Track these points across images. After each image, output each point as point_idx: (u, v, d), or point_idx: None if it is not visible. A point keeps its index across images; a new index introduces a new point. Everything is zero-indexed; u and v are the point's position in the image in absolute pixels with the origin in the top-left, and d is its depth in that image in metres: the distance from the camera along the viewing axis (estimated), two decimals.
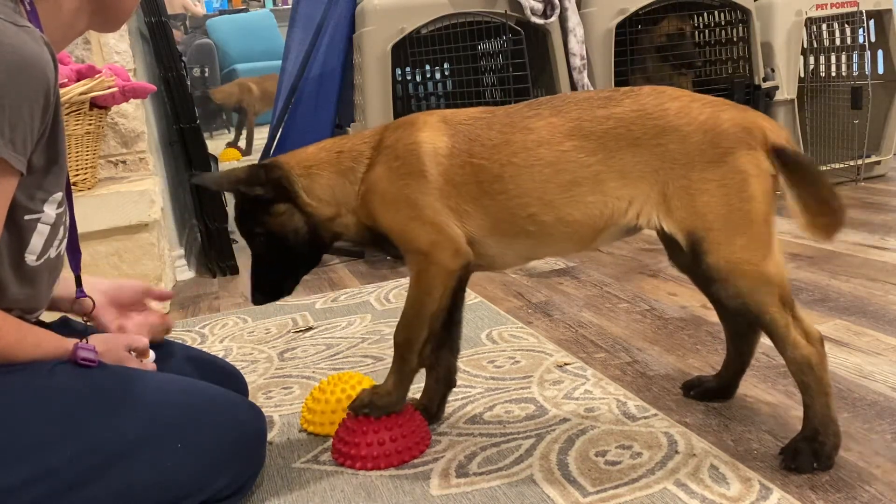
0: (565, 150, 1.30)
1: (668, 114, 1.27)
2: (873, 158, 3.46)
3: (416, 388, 1.61)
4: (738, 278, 1.25)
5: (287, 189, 1.38)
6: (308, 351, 2.04)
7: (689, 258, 1.30)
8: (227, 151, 6.61)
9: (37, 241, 1.18)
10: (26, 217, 1.15)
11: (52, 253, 1.22)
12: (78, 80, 2.32)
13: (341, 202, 1.40)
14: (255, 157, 4.09)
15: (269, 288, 1.45)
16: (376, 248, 1.49)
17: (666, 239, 1.36)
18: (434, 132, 1.35)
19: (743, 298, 1.26)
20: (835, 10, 3.33)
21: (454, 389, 1.57)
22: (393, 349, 1.42)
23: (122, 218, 2.47)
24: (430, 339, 1.41)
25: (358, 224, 1.40)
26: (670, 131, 1.27)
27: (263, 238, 1.41)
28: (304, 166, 1.40)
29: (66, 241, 1.26)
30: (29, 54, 1.06)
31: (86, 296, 1.34)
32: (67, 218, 1.25)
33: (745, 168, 1.25)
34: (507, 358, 1.86)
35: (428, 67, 3.57)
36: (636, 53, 3.28)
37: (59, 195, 1.20)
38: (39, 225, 1.18)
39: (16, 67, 1.04)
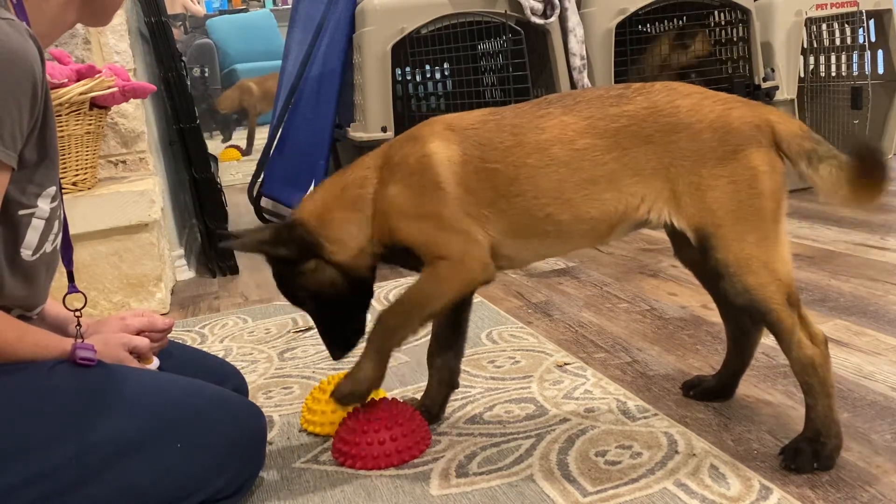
0: (579, 149, 1.29)
1: (679, 111, 1.28)
2: None
3: (418, 389, 1.62)
4: (746, 274, 1.25)
5: (311, 244, 1.37)
6: (308, 351, 2.04)
7: (697, 254, 1.31)
8: (228, 151, 6.62)
9: (31, 235, 1.18)
10: (20, 212, 1.15)
11: (48, 248, 1.22)
12: (78, 80, 2.32)
13: (361, 235, 1.38)
14: (255, 157, 4.10)
15: (342, 340, 1.45)
16: (395, 263, 1.46)
17: (673, 234, 1.36)
18: (444, 141, 1.33)
19: (751, 295, 1.26)
20: (835, 10, 3.33)
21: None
22: (374, 327, 1.38)
23: (122, 218, 2.47)
24: (415, 333, 1.39)
25: (380, 245, 1.38)
26: (682, 128, 1.27)
27: (309, 299, 1.41)
28: (317, 215, 1.38)
29: (60, 235, 1.25)
30: (13, 47, 1.05)
31: (78, 290, 1.34)
32: (62, 212, 1.25)
33: (755, 164, 1.25)
34: (507, 358, 1.86)
35: (428, 67, 3.57)
36: (635, 52, 3.27)
37: (52, 189, 1.19)
38: (34, 220, 1.17)
39: (0, 61, 1.04)
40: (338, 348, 1.46)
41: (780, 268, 1.26)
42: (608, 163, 1.29)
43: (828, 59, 3.53)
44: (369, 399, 1.45)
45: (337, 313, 1.43)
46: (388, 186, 1.35)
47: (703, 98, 1.29)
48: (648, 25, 3.39)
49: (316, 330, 1.49)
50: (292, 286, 1.41)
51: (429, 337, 1.54)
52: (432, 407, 1.54)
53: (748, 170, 1.25)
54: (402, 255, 1.39)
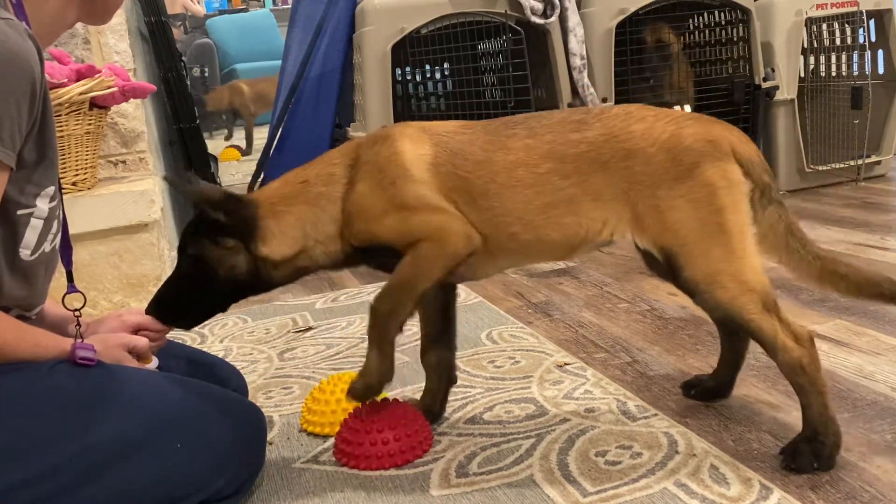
0: (542, 173, 1.31)
1: (633, 136, 1.29)
2: (873, 158, 3.46)
3: (418, 389, 1.62)
4: (716, 290, 1.26)
5: (247, 228, 1.32)
6: (308, 351, 2.04)
7: (667, 272, 1.32)
8: (227, 151, 6.62)
9: (30, 235, 1.18)
10: (19, 212, 1.15)
11: (47, 247, 1.22)
12: (78, 80, 2.32)
13: (311, 235, 1.35)
14: (255, 157, 4.10)
15: (171, 314, 1.37)
16: (363, 263, 1.43)
17: (642, 252, 1.37)
18: (415, 141, 1.34)
19: (724, 310, 1.27)
20: (835, 10, 3.33)
21: (454, 388, 1.58)
22: (369, 321, 1.35)
23: (122, 218, 2.46)
24: (411, 315, 1.36)
25: (340, 247, 1.36)
26: (636, 153, 1.28)
27: (193, 261, 1.34)
28: (271, 205, 1.34)
29: (59, 235, 1.26)
30: (12, 47, 1.05)
31: (77, 290, 1.34)
32: (61, 212, 1.25)
33: (712, 181, 1.26)
34: (507, 358, 1.86)
35: (428, 67, 3.57)
36: (634, 53, 3.27)
37: (51, 189, 1.20)
38: (32, 219, 1.17)
39: None
40: (161, 312, 1.36)
41: (750, 278, 1.26)
42: (568, 188, 1.30)
43: (828, 59, 3.53)
44: (371, 400, 1.45)
45: (196, 292, 1.35)
46: (357, 185, 1.34)
47: (657, 120, 1.30)
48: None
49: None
50: (193, 241, 1.34)
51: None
52: (433, 405, 1.55)
53: (705, 187, 1.26)
54: (374, 255, 1.37)
